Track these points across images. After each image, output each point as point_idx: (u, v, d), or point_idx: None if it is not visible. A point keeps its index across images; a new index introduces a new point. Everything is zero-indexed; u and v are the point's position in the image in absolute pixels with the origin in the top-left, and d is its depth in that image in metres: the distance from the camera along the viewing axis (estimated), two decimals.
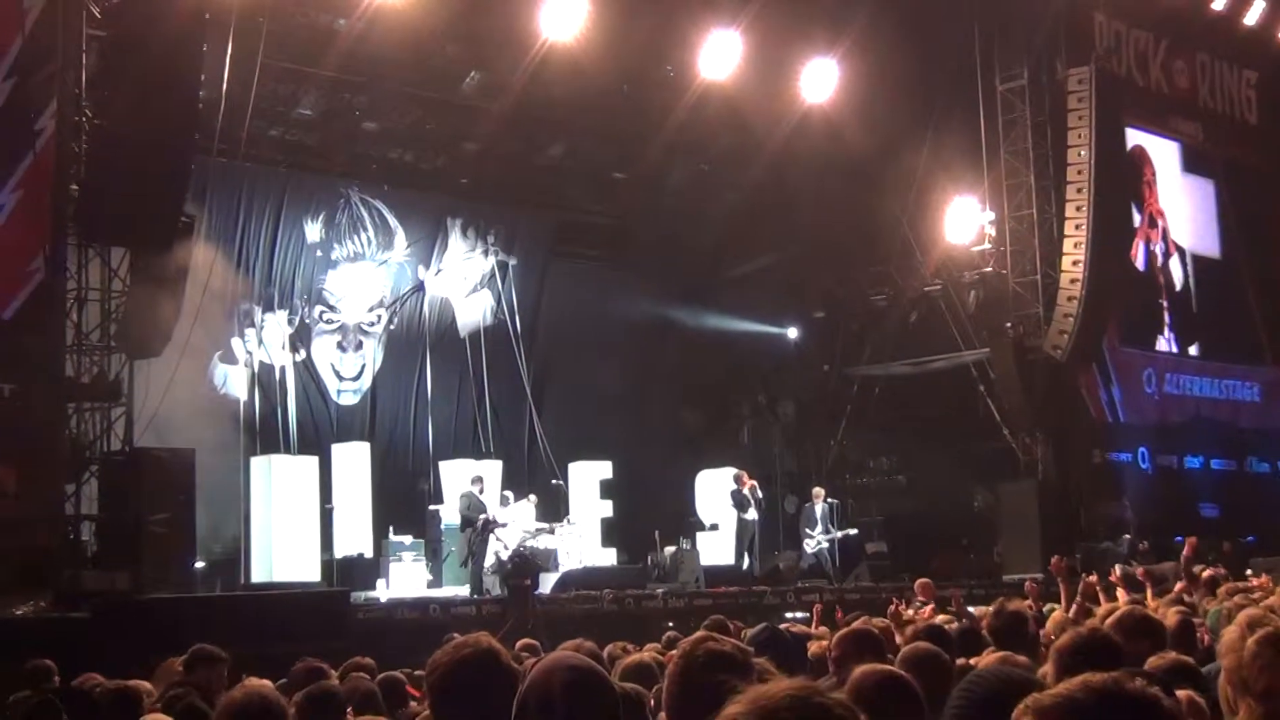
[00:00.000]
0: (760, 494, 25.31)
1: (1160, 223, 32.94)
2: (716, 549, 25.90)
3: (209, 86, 20.42)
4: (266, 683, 7.44)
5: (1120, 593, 13.36)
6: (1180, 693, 4.17)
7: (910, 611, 16.07)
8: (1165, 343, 32.93)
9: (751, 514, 25.02)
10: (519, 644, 10.91)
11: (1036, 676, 4.03)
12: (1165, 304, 32.87)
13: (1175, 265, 33.19)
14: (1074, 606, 11.11)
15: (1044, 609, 13.23)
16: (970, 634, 8.16)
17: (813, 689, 2.37)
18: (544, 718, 3.58)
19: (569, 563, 23.94)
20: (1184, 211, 33.63)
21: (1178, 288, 33.22)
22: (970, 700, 3.37)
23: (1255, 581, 15.35)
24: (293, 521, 23.26)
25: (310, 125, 26.00)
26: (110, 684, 8.27)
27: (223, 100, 21.13)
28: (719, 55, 24.82)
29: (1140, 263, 32.15)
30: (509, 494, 23.97)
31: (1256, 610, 5.16)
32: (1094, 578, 14.28)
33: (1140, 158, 32.40)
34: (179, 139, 19.26)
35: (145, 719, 6.87)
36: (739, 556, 25.01)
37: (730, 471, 25.97)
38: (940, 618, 12.39)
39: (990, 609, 8.10)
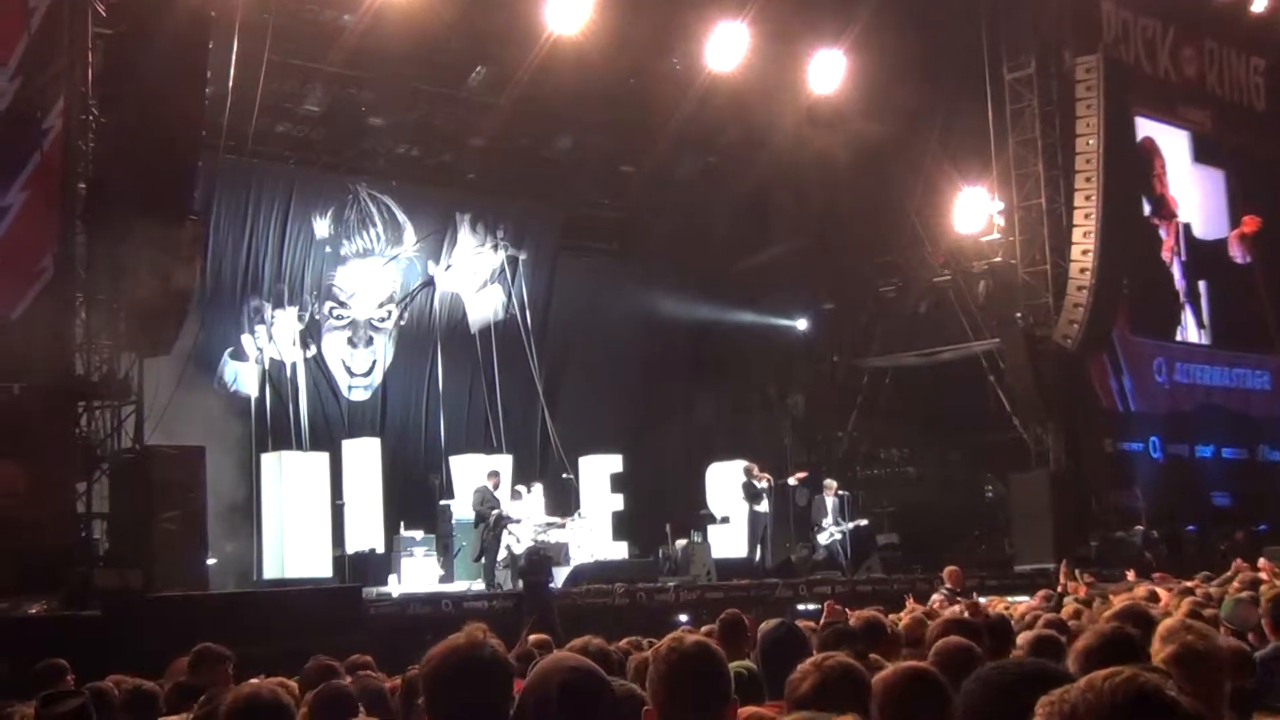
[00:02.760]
0: (785, 484, 25.35)
1: (1172, 211, 32.83)
2: (728, 542, 25.84)
3: (215, 83, 20.35)
4: (285, 680, 7.42)
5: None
6: None
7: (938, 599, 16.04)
8: (1182, 332, 32.82)
9: (763, 506, 25.00)
10: (533, 639, 10.86)
11: (1060, 669, 3.98)
12: (1180, 293, 32.76)
13: (1186, 253, 33.08)
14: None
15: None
16: (998, 629, 8.10)
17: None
18: (540, 718, 3.55)
19: (580, 556, 23.89)
20: (1194, 200, 33.54)
21: (1190, 276, 33.10)
22: (985, 691, 3.33)
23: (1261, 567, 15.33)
24: (304, 518, 23.24)
25: (317, 121, 25.94)
26: (127, 682, 8.22)
27: (229, 97, 21.09)
28: (726, 47, 24.74)
29: (1154, 252, 32.04)
30: (521, 488, 23.90)
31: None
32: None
33: (1150, 149, 32.30)
34: (186, 136, 19.21)
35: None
36: (752, 549, 24.97)
37: (741, 464, 25.91)
38: (957, 608, 12.33)
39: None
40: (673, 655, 4.04)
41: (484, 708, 3.73)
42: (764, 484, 25.10)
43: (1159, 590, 13.08)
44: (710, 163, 29.87)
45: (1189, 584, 13.57)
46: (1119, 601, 8.79)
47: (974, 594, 17.50)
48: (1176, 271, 32.89)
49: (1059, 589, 15.67)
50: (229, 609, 17.68)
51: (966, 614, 10.05)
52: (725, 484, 27.19)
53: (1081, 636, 5.17)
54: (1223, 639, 5.44)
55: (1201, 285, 33.45)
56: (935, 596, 16.49)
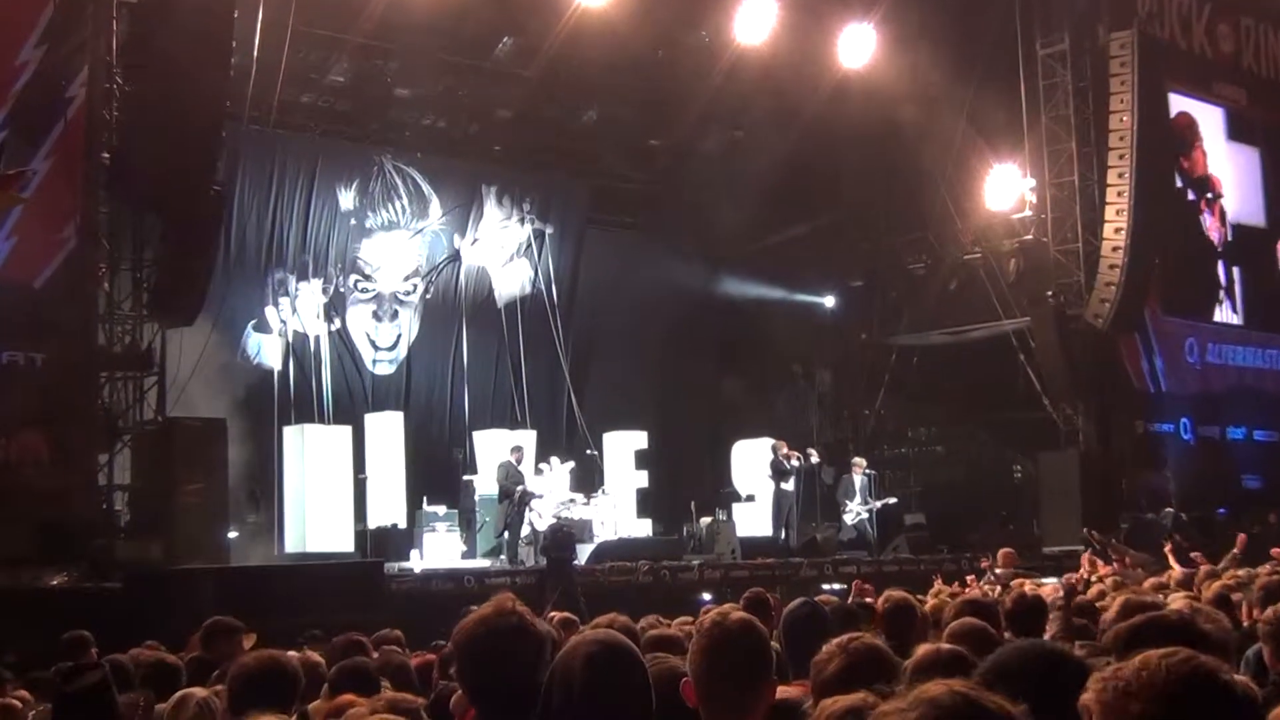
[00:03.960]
0: (808, 460, 25.30)
1: (1210, 190, 32.60)
2: (753, 520, 25.82)
3: (240, 53, 20.34)
4: (310, 654, 7.42)
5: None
6: None
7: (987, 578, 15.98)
8: (1219, 312, 32.60)
9: (790, 485, 24.95)
10: (556, 618, 10.84)
11: (1073, 652, 3.96)
12: (1218, 273, 32.55)
13: (1222, 233, 32.86)
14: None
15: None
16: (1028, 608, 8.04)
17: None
18: (564, 694, 3.55)
19: (604, 534, 23.90)
20: (1228, 179, 33.28)
21: (1225, 256, 32.89)
22: (999, 671, 3.32)
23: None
24: (326, 492, 23.25)
25: (342, 92, 25.93)
26: (148, 655, 8.22)
27: (254, 67, 21.08)
28: (755, 20, 24.60)
29: (1187, 230, 31.82)
30: (545, 466, 23.88)
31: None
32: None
33: (1188, 125, 32.05)
34: (210, 106, 19.23)
35: (187, 691, 6.82)
36: (777, 528, 24.94)
37: (768, 442, 25.88)
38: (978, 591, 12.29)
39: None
40: (716, 630, 4.09)
41: (518, 676, 3.73)
42: (795, 462, 25.06)
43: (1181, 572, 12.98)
44: (738, 137, 29.75)
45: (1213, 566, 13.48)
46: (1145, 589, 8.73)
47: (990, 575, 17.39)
48: (1217, 251, 32.62)
49: (1083, 574, 15.58)
50: (250, 582, 17.71)
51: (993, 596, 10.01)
52: (751, 462, 27.15)
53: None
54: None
55: (1236, 266, 33.21)
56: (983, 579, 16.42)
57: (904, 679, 4.11)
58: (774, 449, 25.23)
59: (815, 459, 25.81)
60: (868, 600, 10.09)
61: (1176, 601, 7.71)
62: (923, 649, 4.52)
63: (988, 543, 23.50)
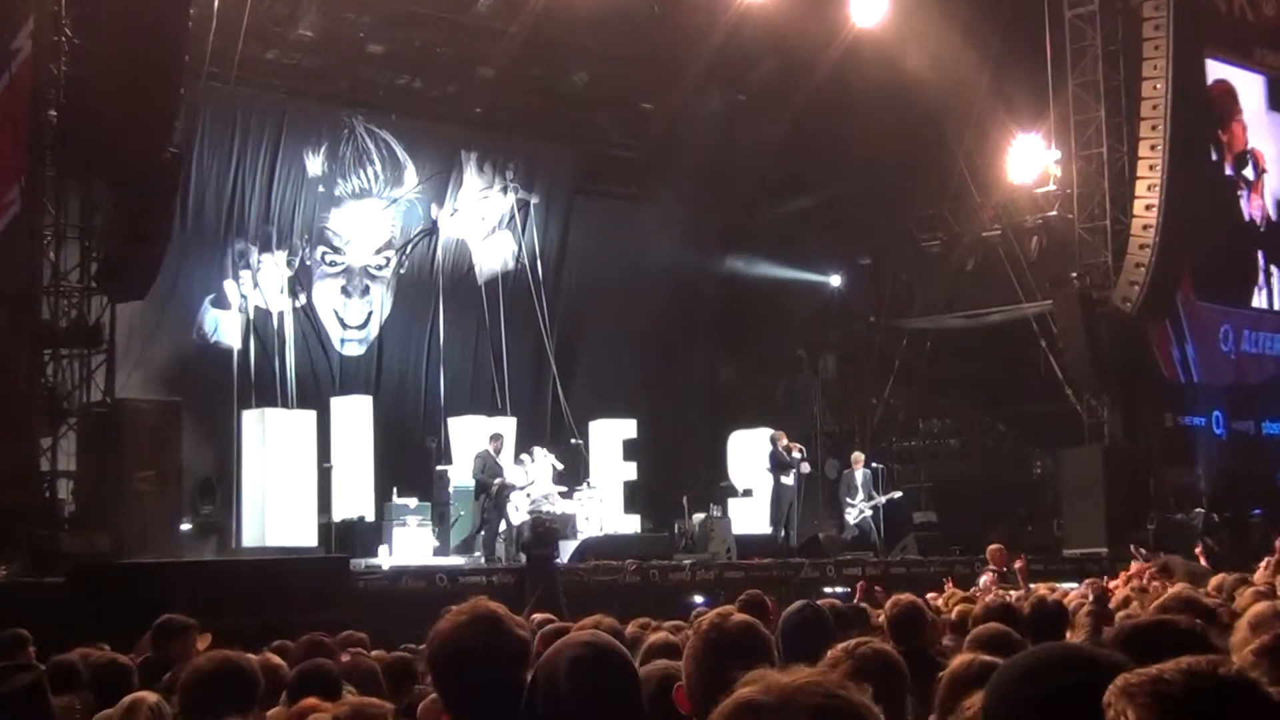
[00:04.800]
0: (803, 454, 25.27)
1: (1251, 165, 32.58)
2: (750, 517, 25.85)
3: (199, 4, 20.28)
4: (270, 656, 7.42)
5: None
6: None
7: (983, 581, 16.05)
8: (1258, 297, 32.60)
9: (791, 479, 24.96)
10: (538, 619, 10.86)
11: (1109, 653, 3.97)
12: (1256, 256, 32.55)
13: (1263, 212, 32.87)
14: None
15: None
16: (1048, 613, 8.08)
17: (833, 681, 2.39)
18: (549, 698, 3.56)
19: (588, 530, 23.94)
20: (1269, 152, 33.28)
21: (1266, 237, 32.88)
22: (1018, 675, 3.33)
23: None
24: (288, 481, 23.24)
25: (310, 48, 25.80)
26: (98, 655, 8.22)
27: (214, 19, 21.03)
28: None
29: (1224, 207, 31.82)
30: (525, 456, 23.87)
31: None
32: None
33: (1226, 94, 32.03)
34: (167, 61, 19.15)
35: (134, 695, 6.82)
36: (775, 525, 24.96)
37: (766, 432, 25.89)
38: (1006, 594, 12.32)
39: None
40: (713, 632, 4.07)
41: (497, 681, 3.74)
42: (796, 454, 25.06)
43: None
44: (740, 101, 29.73)
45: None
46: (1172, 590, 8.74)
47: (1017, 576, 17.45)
48: (1256, 231, 32.61)
49: (1132, 578, 15.55)
50: (205, 579, 17.69)
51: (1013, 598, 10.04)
52: (748, 454, 27.19)
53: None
54: None
55: (1276, 246, 33.21)
56: (983, 579, 16.50)
57: (940, 691, 4.12)
58: (773, 440, 25.24)
59: (796, 454, 25.53)
60: (878, 591, 10.13)
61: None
62: (959, 660, 4.52)
63: (1005, 544, 23.56)
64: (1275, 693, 2.39)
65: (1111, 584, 14.53)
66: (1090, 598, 8.88)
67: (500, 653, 3.78)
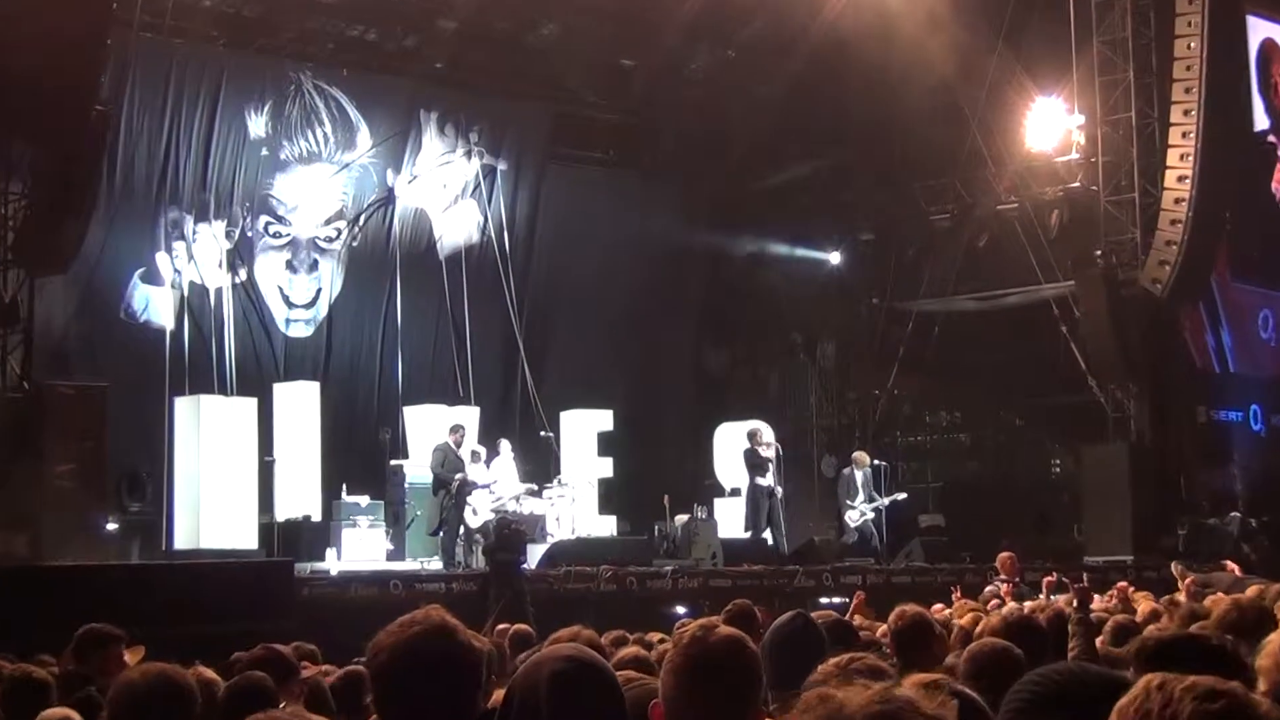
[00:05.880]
0: (778, 453, 25.16)
1: None
2: (738, 519, 25.85)
3: None
4: (203, 669, 7.41)
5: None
6: None
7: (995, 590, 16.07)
8: None
9: (767, 479, 24.85)
10: (509, 633, 10.89)
11: (1117, 675, 3.98)
12: None
13: None
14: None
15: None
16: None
17: (903, 697, 2.41)
18: (528, 717, 3.55)
19: (559, 532, 23.93)
20: None
21: None
22: (1034, 698, 3.35)
23: None
24: (226, 476, 23.22)
25: None
26: (13, 668, 8.20)
27: None
28: None
29: (1267, 179, 31.89)
30: (479, 450, 23.79)
31: None
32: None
33: (1270, 52, 32.06)
34: (93, 9, 19.10)
35: (48, 713, 6.82)
36: (752, 529, 24.90)
37: (751, 425, 25.87)
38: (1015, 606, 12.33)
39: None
40: (696, 648, 4.02)
41: (447, 703, 3.73)
42: (766, 452, 24.95)
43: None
44: (730, 58, 29.70)
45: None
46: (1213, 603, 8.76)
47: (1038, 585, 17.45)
48: None
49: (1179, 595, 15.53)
50: (134, 584, 17.68)
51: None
52: (737, 450, 27.14)
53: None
54: None
55: None
56: (991, 588, 16.50)
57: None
58: (750, 436, 25.15)
59: (766, 450, 25.26)
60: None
61: None
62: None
63: (1018, 551, 23.63)
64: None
65: (1135, 593, 14.54)
66: (1075, 603, 8.86)
67: (450, 671, 3.75)
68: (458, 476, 22.61)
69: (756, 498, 25.00)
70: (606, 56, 29.63)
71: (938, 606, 13.07)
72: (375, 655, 3.80)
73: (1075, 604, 8.82)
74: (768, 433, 25.33)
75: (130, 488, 22.07)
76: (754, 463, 24.91)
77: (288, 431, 24.38)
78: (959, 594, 16.25)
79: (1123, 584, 13.66)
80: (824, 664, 4.59)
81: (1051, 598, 14.32)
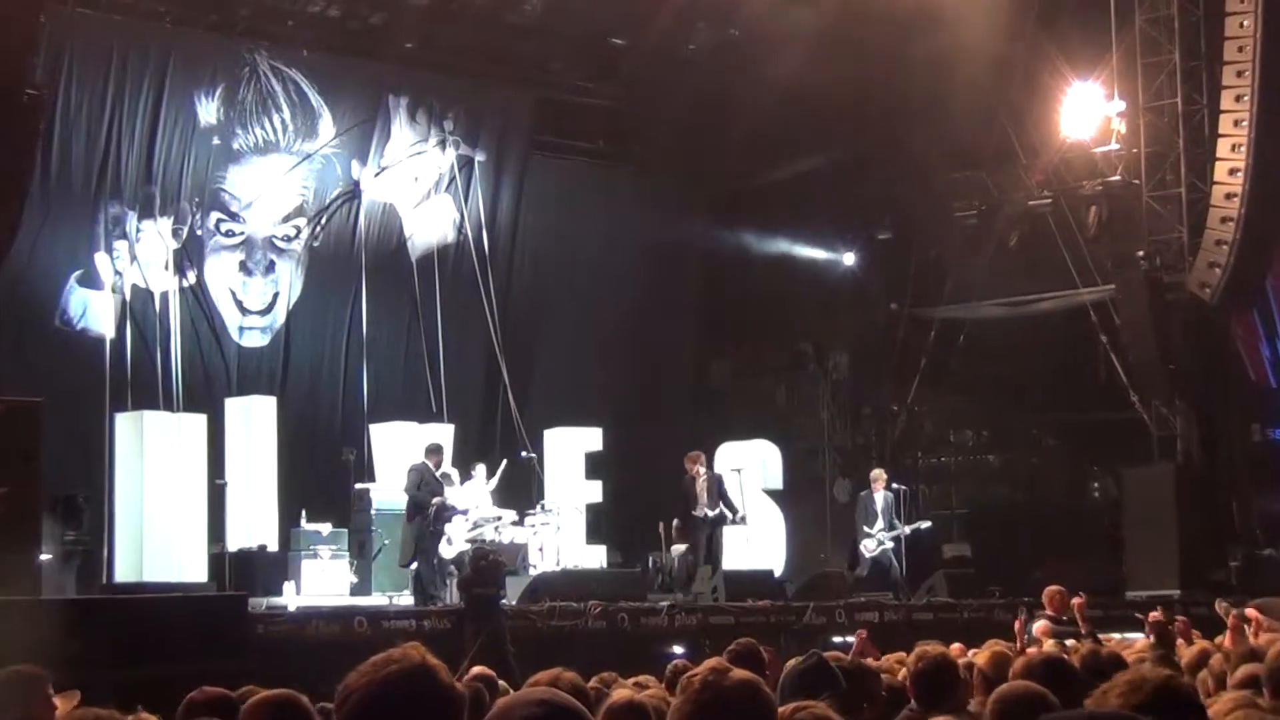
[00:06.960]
0: (717, 480, 24.90)
1: None
2: (742, 550, 25.82)
3: None
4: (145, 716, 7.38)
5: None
6: None
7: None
8: None
9: (702, 510, 24.44)
10: (473, 673, 10.81)
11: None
12: None
13: None
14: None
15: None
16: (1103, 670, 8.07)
17: None
18: None
19: (542, 563, 23.91)
20: None
21: None
22: None
23: None
24: (172, 501, 23.23)
25: None
26: None
27: None
28: None
29: None
30: (451, 472, 23.69)
31: None
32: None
33: None
34: None
35: None
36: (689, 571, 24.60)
37: (761, 444, 25.88)
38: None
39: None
40: (707, 693, 4.01)
41: None
42: (700, 477, 24.66)
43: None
44: (732, 37, 29.74)
45: None
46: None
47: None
48: None
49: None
50: (68, 621, 17.59)
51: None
52: (742, 471, 27.14)
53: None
54: None
55: None
56: (1037, 626, 16.45)
57: None
58: (689, 460, 24.85)
59: (701, 472, 25.07)
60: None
61: None
62: None
63: (1056, 583, 23.62)
64: None
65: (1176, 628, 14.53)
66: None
67: (434, 717, 3.70)
68: (435, 500, 22.49)
69: (696, 532, 24.62)
70: (594, 36, 29.68)
71: (956, 646, 13.05)
72: (345, 699, 3.72)
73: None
74: (700, 456, 25.11)
75: (66, 514, 21.99)
76: (686, 491, 24.61)
77: (241, 452, 24.38)
78: (1020, 624, 16.23)
79: (1182, 619, 13.65)
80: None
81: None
